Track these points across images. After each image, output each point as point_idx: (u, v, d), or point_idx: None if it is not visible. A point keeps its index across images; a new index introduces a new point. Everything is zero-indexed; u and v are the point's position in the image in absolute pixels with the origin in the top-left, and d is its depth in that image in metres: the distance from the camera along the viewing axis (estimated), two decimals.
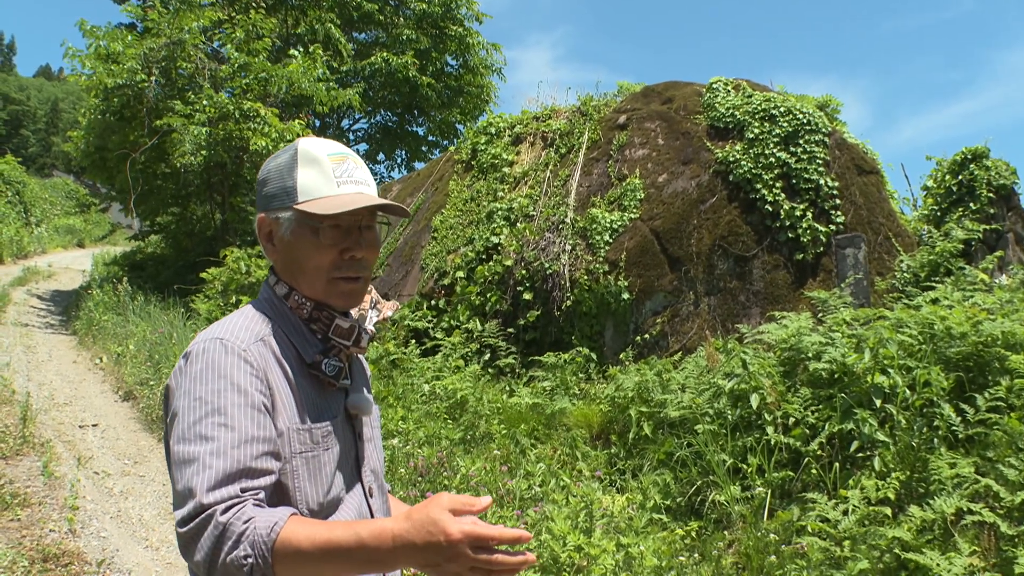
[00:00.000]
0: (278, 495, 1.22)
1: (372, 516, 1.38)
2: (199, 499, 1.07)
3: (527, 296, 7.68)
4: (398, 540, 1.04)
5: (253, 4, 13.14)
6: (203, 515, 1.06)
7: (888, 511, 3.56)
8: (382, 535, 1.05)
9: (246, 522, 1.05)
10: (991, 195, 7.55)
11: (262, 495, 1.12)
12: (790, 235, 7.30)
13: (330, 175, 1.32)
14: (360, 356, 1.54)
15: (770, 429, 4.43)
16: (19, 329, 10.72)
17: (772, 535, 3.84)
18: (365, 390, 1.48)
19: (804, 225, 7.27)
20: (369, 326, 1.43)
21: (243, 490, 1.10)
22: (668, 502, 4.55)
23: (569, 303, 7.45)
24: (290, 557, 1.04)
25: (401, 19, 16.26)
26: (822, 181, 7.45)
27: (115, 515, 4.81)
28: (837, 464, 4.11)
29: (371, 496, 1.40)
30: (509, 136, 9.69)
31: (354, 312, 1.44)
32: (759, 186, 7.44)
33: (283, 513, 1.08)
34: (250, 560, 1.03)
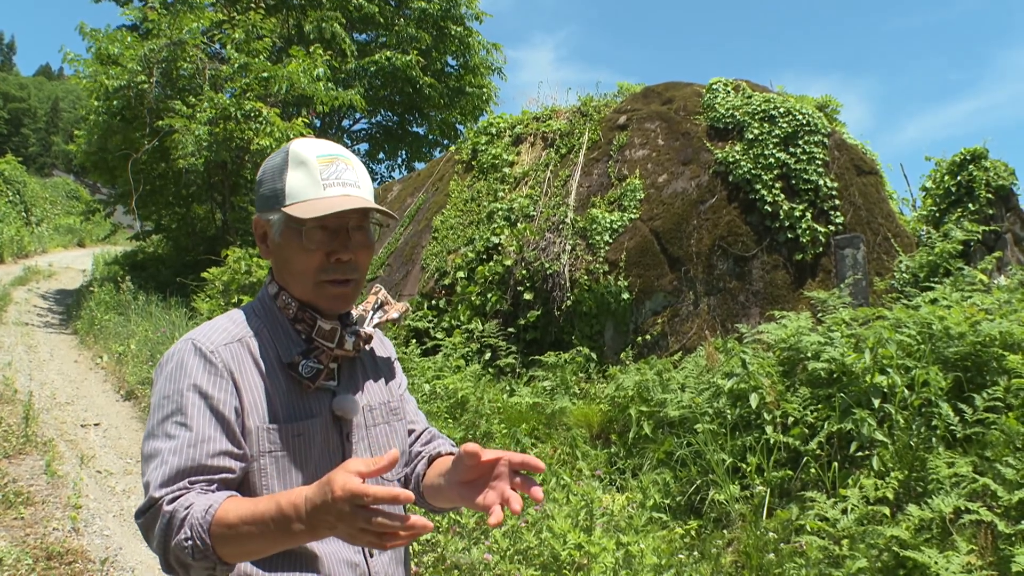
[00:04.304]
0: (247, 493, 1.25)
1: None
2: (151, 493, 1.16)
3: (527, 296, 7.71)
4: (308, 503, 1.05)
5: (253, 5, 13.15)
6: (153, 507, 1.15)
7: (887, 510, 3.58)
8: (297, 501, 1.06)
9: (187, 508, 1.12)
10: (990, 196, 7.57)
11: (213, 487, 1.18)
12: (789, 235, 7.33)
13: (316, 177, 1.31)
14: (379, 356, 1.52)
15: (769, 428, 4.45)
16: (20, 328, 10.74)
17: (771, 534, 3.86)
18: (378, 390, 1.46)
19: (803, 225, 7.30)
20: (368, 327, 1.42)
21: (191, 483, 1.17)
22: (668, 501, 4.58)
23: (569, 303, 7.48)
24: (225, 535, 1.10)
25: (402, 19, 16.27)
26: (821, 182, 7.47)
27: (118, 514, 4.83)
28: (836, 463, 4.13)
29: None
30: (509, 136, 9.71)
31: (355, 311, 1.45)
32: (758, 186, 7.46)
33: (220, 496, 1.14)
34: (191, 542, 1.10)
